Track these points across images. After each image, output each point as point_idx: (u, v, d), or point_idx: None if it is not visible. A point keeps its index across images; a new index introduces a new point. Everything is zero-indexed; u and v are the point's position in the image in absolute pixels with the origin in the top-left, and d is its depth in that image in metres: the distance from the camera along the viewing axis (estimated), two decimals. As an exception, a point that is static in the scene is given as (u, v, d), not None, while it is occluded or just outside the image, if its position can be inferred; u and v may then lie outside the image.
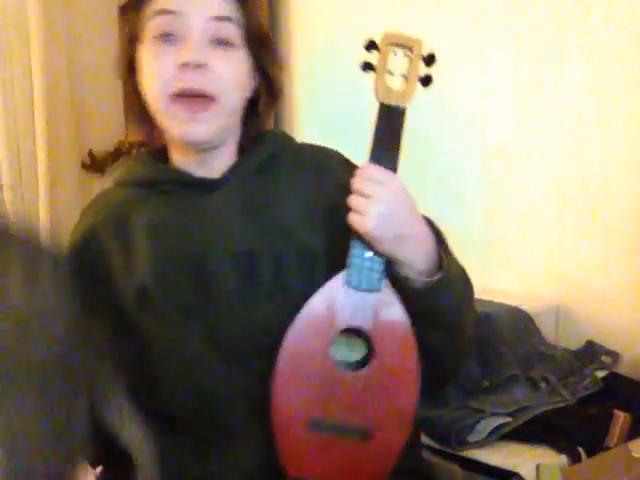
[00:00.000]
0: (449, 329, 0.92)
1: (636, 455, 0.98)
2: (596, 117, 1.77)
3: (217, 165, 0.97)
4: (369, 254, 0.86)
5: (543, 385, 1.63)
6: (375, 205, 0.84)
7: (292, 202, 0.96)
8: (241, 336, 0.89)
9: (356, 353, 0.89)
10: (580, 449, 1.42)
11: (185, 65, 0.88)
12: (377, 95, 0.90)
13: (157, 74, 0.91)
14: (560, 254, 1.91)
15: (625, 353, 1.74)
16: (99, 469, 0.97)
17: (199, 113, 0.90)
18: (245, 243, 0.92)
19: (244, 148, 1.00)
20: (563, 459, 1.41)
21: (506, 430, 1.48)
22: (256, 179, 0.97)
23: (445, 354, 0.94)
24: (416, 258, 0.87)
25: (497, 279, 2.01)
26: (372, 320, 0.87)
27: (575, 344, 1.82)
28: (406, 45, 0.91)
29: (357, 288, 0.86)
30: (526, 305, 1.85)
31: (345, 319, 0.86)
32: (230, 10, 0.92)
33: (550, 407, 1.55)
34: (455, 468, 1.18)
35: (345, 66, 2.37)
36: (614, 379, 1.68)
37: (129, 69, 0.96)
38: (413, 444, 0.96)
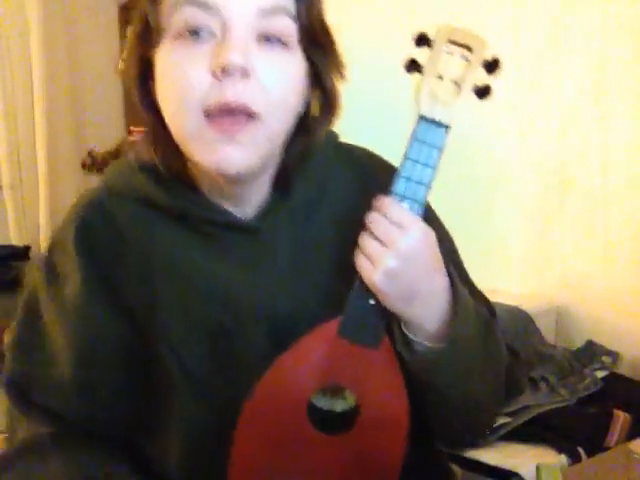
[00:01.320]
0: (456, 403, 0.77)
1: (636, 455, 0.98)
2: (596, 117, 1.77)
3: (253, 198, 0.78)
4: (371, 302, 0.72)
5: (543, 385, 1.63)
6: (389, 257, 0.69)
7: (337, 248, 0.79)
8: None
9: (344, 401, 0.76)
10: (580, 449, 1.42)
11: (225, 71, 0.66)
12: (419, 104, 0.72)
13: (184, 83, 0.68)
14: (560, 254, 1.91)
15: (625, 353, 1.74)
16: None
17: (237, 134, 0.69)
18: (285, 306, 0.77)
19: (286, 171, 0.79)
20: (563, 459, 1.41)
21: (506, 430, 1.48)
22: (300, 220, 0.79)
23: (453, 425, 0.81)
24: (424, 319, 0.73)
25: (497, 279, 2.01)
26: (362, 382, 0.73)
27: (575, 344, 1.82)
28: (466, 44, 0.73)
29: (351, 341, 0.73)
30: (526, 305, 1.85)
31: (331, 374, 0.73)
32: None
33: (550, 407, 1.55)
34: (455, 468, 1.18)
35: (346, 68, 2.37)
36: (614, 379, 1.68)
37: (141, 75, 0.74)
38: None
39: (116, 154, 3.32)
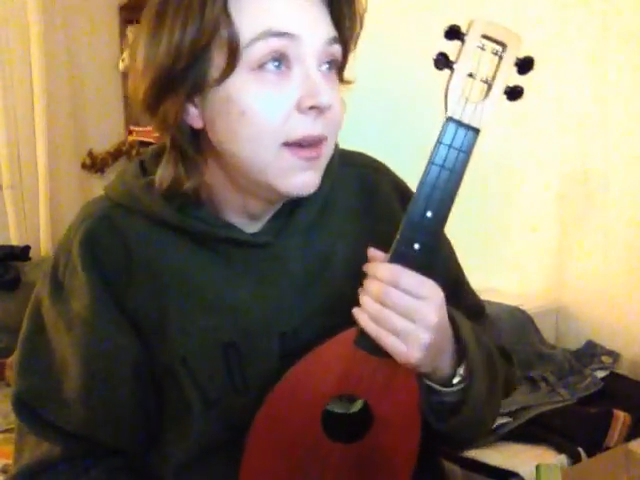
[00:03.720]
0: (469, 427, 0.80)
1: (636, 455, 0.98)
2: (597, 116, 1.77)
3: (264, 214, 0.79)
4: None
5: (543, 385, 1.62)
6: (422, 332, 0.68)
7: (347, 258, 0.80)
8: None
9: (358, 409, 0.76)
10: (580, 449, 1.42)
11: (313, 109, 0.69)
12: (447, 104, 0.67)
13: (268, 116, 0.68)
14: (560, 254, 1.91)
15: (625, 353, 1.74)
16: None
17: (314, 160, 0.71)
18: (293, 322, 0.78)
19: None
20: (563, 459, 1.40)
21: (506, 430, 1.48)
22: (309, 232, 0.80)
23: (460, 439, 0.84)
24: (442, 366, 0.75)
25: (497, 279, 2.01)
26: (377, 392, 0.72)
27: (575, 344, 1.82)
28: (499, 40, 0.67)
29: (367, 351, 0.71)
30: (526, 305, 1.85)
31: (347, 384, 0.72)
32: (334, 27, 0.73)
33: (550, 407, 1.55)
34: (455, 468, 1.18)
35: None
36: (614, 379, 1.68)
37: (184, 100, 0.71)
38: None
39: (116, 154, 3.32)
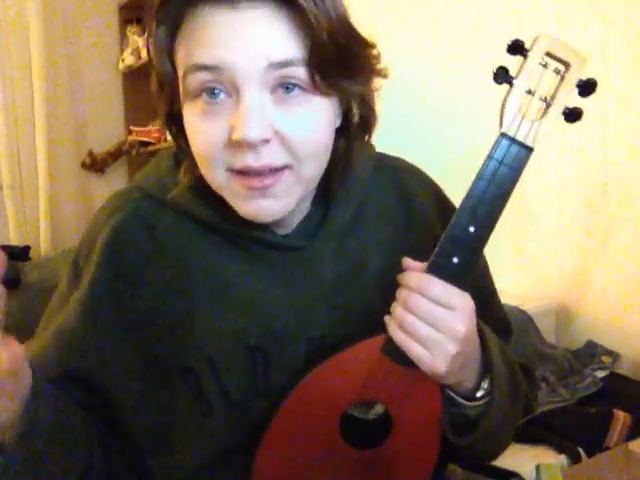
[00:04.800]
0: (487, 445, 0.80)
1: (636, 455, 0.98)
2: (597, 116, 1.77)
3: (296, 217, 0.77)
4: None
5: (543, 385, 1.62)
6: (449, 343, 0.67)
7: (378, 266, 0.79)
8: None
9: (377, 415, 0.75)
10: (580, 449, 1.42)
11: (242, 146, 0.65)
12: (503, 120, 0.65)
13: (207, 147, 0.68)
14: (560, 254, 1.91)
15: (625, 353, 1.74)
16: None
17: (267, 189, 0.68)
18: (320, 327, 0.77)
19: (326, 188, 0.77)
20: (563, 459, 1.40)
21: (506, 430, 1.48)
22: (341, 238, 0.78)
23: (474, 455, 0.84)
24: (467, 378, 0.74)
25: (497, 279, 2.01)
26: (399, 400, 0.72)
27: (575, 344, 1.82)
28: (563, 59, 0.65)
29: (393, 359, 0.70)
30: (526, 305, 1.85)
31: (369, 390, 0.71)
32: (296, 46, 0.65)
33: (550, 407, 1.55)
34: (455, 468, 1.18)
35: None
36: (614, 379, 1.68)
37: (171, 120, 0.74)
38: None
39: (116, 154, 3.32)
